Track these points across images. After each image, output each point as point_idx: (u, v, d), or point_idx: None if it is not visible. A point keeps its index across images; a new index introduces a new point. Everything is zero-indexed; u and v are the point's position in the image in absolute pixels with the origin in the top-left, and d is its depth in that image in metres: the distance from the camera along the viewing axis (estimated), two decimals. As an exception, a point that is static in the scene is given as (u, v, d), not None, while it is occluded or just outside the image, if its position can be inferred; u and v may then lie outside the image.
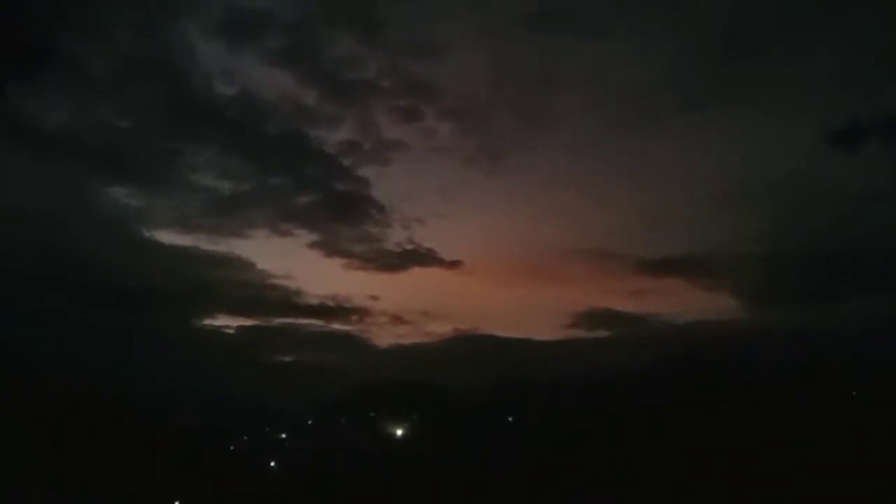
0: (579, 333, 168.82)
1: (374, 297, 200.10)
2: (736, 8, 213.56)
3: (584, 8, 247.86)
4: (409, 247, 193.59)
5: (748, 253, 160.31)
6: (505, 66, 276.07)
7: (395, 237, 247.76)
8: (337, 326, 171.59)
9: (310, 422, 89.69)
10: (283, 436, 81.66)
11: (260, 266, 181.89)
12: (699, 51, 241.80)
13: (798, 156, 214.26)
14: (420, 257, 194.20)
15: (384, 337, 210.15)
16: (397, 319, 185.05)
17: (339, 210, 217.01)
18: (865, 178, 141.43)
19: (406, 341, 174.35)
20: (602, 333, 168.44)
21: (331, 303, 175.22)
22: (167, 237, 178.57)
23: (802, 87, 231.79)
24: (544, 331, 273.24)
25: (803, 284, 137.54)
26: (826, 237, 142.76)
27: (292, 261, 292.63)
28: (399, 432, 72.29)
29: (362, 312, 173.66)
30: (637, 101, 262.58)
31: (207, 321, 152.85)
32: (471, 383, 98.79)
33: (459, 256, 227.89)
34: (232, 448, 71.18)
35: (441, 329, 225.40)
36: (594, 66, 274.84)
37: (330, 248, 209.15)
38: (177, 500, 46.65)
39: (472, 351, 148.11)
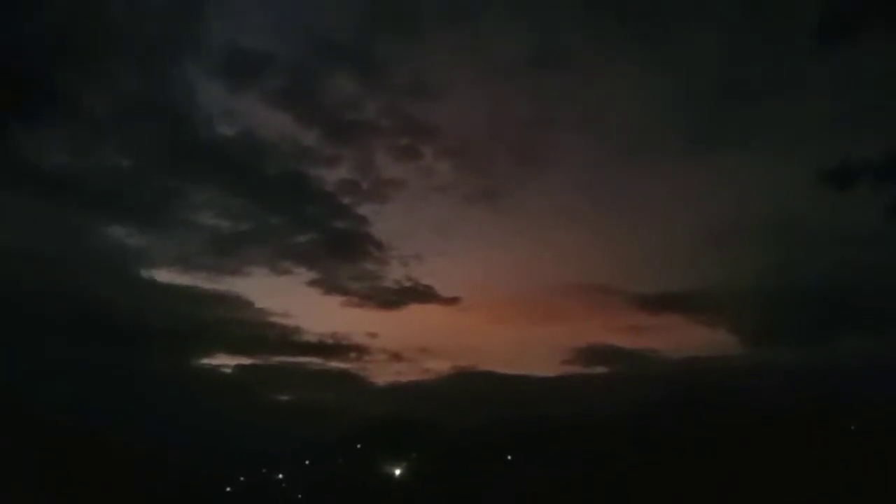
0: (578, 369, 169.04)
1: (373, 335, 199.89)
2: (733, 51, 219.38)
3: (582, 50, 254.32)
4: (407, 284, 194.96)
5: (746, 290, 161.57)
6: (503, 107, 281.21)
7: (394, 274, 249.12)
8: (335, 364, 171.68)
9: (307, 461, 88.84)
10: (280, 476, 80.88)
11: (259, 304, 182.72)
12: (697, 93, 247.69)
13: (793, 196, 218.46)
14: (418, 294, 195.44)
15: (383, 374, 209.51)
16: (396, 357, 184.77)
17: (337, 248, 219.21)
18: (858, 220, 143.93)
19: (404, 379, 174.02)
20: (601, 369, 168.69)
21: (329, 340, 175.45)
22: (167, 276, 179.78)
23: (797, 129, 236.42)
24: (543, 367, 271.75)
25: (800, 321, 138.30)
26: (822, 276, 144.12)
27: (291, 299, 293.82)
28: (397, 471, 71.64)
29: (361, 350, 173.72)
30: (635, 140, 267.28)
31: (206, 360, 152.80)
32: (470, 420, 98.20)
33: (458, 293, 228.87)
34: (229, 489, 70.56)
35: (440, 366, 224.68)
36: (592, 107, 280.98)
37: (329, 285, 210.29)
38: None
39: (471, 388, 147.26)
